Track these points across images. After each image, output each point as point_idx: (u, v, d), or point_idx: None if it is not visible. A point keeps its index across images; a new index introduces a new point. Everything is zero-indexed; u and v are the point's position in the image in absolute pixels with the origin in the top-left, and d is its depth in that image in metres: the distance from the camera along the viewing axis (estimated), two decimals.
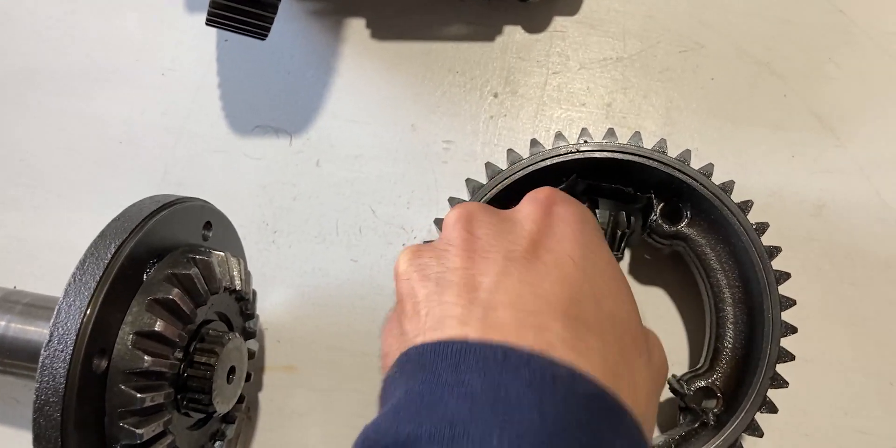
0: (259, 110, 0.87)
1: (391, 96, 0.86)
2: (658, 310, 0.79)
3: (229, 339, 0.68)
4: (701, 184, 0.72)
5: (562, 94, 0.84)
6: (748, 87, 0.84)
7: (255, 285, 0.80)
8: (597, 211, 0.75)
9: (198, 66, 0.89)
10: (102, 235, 0.61)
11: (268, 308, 0.82)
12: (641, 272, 0.80)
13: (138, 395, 0.59)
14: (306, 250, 0.83)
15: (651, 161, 0.72)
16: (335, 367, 0.80)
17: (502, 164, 0.72)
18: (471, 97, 0.85)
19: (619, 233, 0.76)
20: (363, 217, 0.83)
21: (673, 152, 0.70)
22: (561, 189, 0.74)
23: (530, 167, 0.73)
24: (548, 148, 0.75)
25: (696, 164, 0.70)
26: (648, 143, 0.72)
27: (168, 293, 0.61)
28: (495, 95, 0.85)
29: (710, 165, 0.75)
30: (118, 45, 0.89)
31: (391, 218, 0.83)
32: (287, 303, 0.82)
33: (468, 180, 0.77)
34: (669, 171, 0.72)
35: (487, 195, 0.73)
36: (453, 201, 0.77)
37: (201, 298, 0.65)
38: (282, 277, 0.83)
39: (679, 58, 0.85)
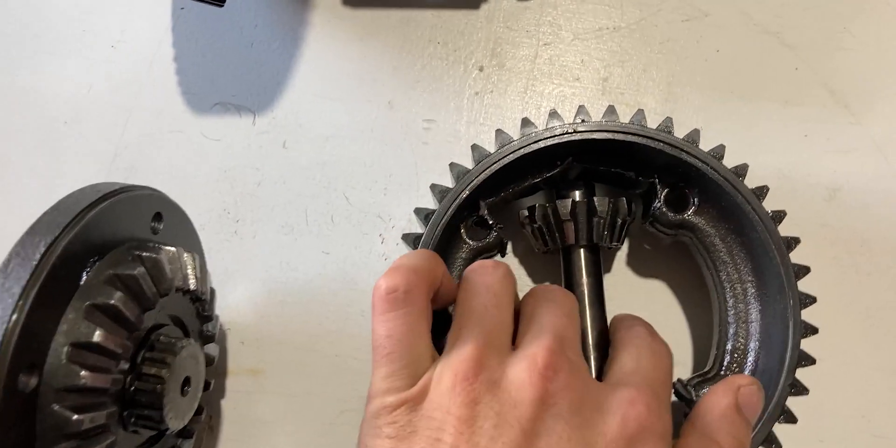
0: (219, 86, 0.79)
1: (366, 70, 0.78)
2: (658, 305, 0.72)
3: (183, 345, 0.60)
4: (712, 168, 0.64)
5: (554, 68, 0.76)
6: (757, 59, 0.77)
7: (215, 281, 0.75)
8: (594, 198, 0.67)
9: (151, 38, 0.81)
10: (31, 231, 0.52)
11: (230, 306, 0.75)
12: (641, 264, 0.73)
13: (75, 417, 0.51)
14: (272, 241, 0.76)
15: (657, 143, 0.64)
16: (305, 370, 0.73)
17: (490, 145, 0.64)
18: (454, 71, 0.78)
19: (619, 221, 0.67)
20: (335, 204, 0.76)
21: (677, 132, 0.61)
22: (555, 174, 0.66)
23: (521, 150, 0.65)
24: (540, 128, 0.66)
25: (702, 144, 0.62)
26: (650, 121, 0.64)
27: (110, 297, 0.53)
28: (480, 69, 0.77)
29: (722, 147, 0.67)
30: (62, 13, 0.79)
31: (367, 205, 0.76)
32: (251, 300, 0.75)
33: (452, 165, 0.69)
34: (676, 153, 0.64)
35: (474, 181, 0.65)
36: (436, 189, 0.68)
37: (149, 302, 0.57)
38: (245, 272, 0.75)
39: (682, 27, 0.78)
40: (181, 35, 0.80)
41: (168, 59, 0.80)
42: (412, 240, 0.66)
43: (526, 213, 0.66)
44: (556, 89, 0.79)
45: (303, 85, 0.78)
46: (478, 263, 0.54)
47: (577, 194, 0.67)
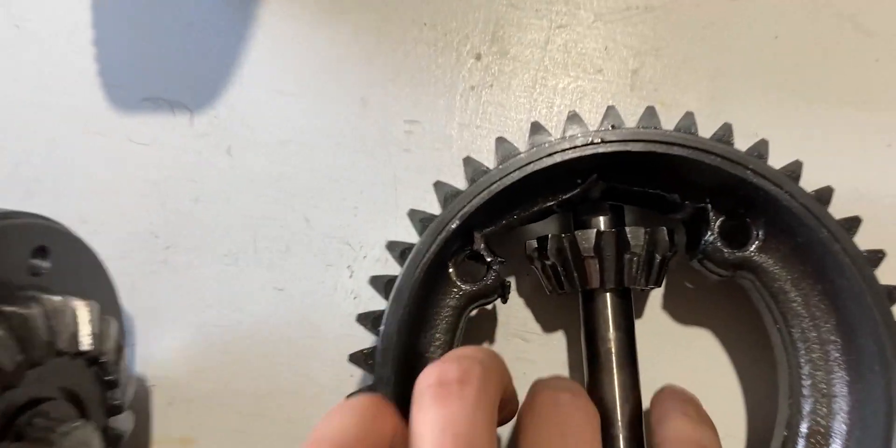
0: (149, 78, 0.66)
1: (334, 59, 0.65)
2: (701, 361, 0.59)
3: (66, 431, 0.43)
4: (787, 192, 0.48)
5: (570, 57, 0.64)
6: (825, 48, 0.63)
7: (138, 324, 0.63)
8: (626, 229, 0.52)
9: (65, 17, 0.67)
10: None
11: (156, 357, 0.62)
12: (680, 306, 0.59)
13: None
14: (211, 274, 0.63)
15: (713, 157, 0.49)
16: (249, 440, 0.61)
17: (488, 157, 0.55)
18: (444, 60, 0.64)
19: (658, 258, 0.52)
20: (292, 228, 0.63)
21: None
22: (573, 196, 0.49)
23: (531, 166, 0.49)
24: (556, 136, 0.50)
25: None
26: (704, 126, 0.51)
27: None
28: (478, 57, 0.64)
29: (798, 164, 0.51)
30: None
31: (332, 229, 0.63)
32: (184, 349, 0.62)
33: (438, 185, 0.52)
34: (739, 171, 0.49)
35: (466, 208, 0.49)
36: (416, 217, 0.52)
37: (9, 376, 0.40)
38: (176, 313, 0.62)
39: (730, 7, 0.63)
40: (103, 15, 0.67)
41: (86, 44, 0.67)
42: (383, 284, 0.50)
43: (535, 245, 0.53)
44: (572, 84, 0.63)
45: (254, 77, 0.65)
46: (553, 387, 0.46)
47: (602, 222, 0.54)
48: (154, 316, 0.62)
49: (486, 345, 0.60)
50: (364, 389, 0.50)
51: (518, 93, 0.64)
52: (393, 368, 0.48)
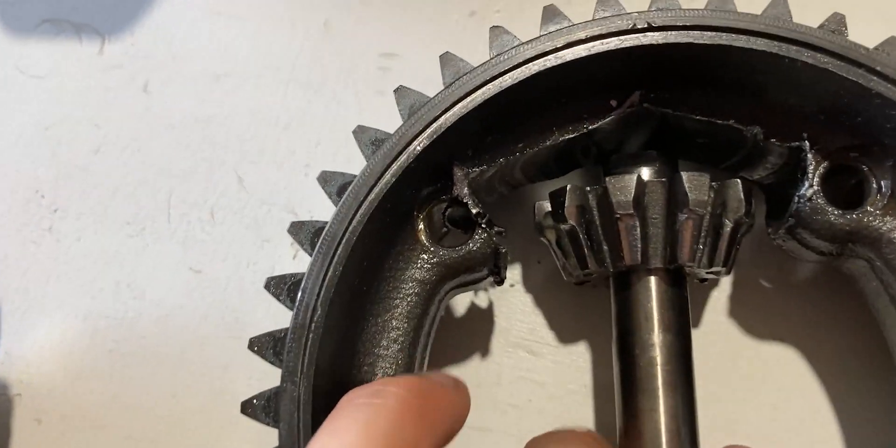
0: None
1: None
2: (784, 389, 0.46)
3: None
4: None
5: None
6: None
7: (5, 308, 0.52)
8: (683, 175, 0.37)
9: None
10: None
11: (25, 355, 0.51)
12: (755, 312, 0.48)
13: None
14: (108, 248, 0.52)
15: (822, 56, 0.34)
16: None
17: None
18: None
19: (730, 226, 0.38)
20: (220, 189, 0.52)
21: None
22: (606, 126, 0.36)
23: (538, 63, 0.34)
24: (579, 21, 0.34)
25: None
26: (803, 16, 0.37)
27: None
28: None
29: None
30: None
31: (272, 193, 0.51)
32: (62, 346, 0.51)
33: (401, 91, 0.37)
34: (863, 79, 0.34)
35: (439, 121, 0.34)
36: (364, 136, 0.38)
37: None
38: (57, 296, 0.52)
39: None
40: None
41: None
42: (309, 236, 0.34)
43: (547, 205, 0.41)
44: None
45: None
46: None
47: (647, 172, 0.40)
48: (26, 300, 0.52)
49: (476, 358, 0.48)
50: (262, 396, 0.34)
51: (535, 20, 0.49)
52: (313, 359, 0.32)
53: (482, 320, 0.48)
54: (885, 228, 0.37)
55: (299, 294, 0.33)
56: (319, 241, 0.34)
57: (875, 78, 0.34)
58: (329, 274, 0.34)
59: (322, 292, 0.33)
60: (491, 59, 0.35)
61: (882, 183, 0.37)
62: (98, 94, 0.53)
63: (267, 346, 0.34)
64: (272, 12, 0.54)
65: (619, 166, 0.41)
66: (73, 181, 0.52)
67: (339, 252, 0.34)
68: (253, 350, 0.34)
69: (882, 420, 0.44)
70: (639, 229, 0.38)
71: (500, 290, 0.47)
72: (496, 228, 0.40)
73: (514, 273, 0.48)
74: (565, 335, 0.48)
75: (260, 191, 0.51)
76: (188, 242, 0.51)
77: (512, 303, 0.48)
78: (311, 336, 0.33)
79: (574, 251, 0.40)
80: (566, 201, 0.39)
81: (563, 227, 0.39)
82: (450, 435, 0.34)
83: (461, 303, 0.47)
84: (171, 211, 0.51)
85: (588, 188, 0.39)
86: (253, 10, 0.54)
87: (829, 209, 0.37)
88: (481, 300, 0.47)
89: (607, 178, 0.38)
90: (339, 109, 0.51)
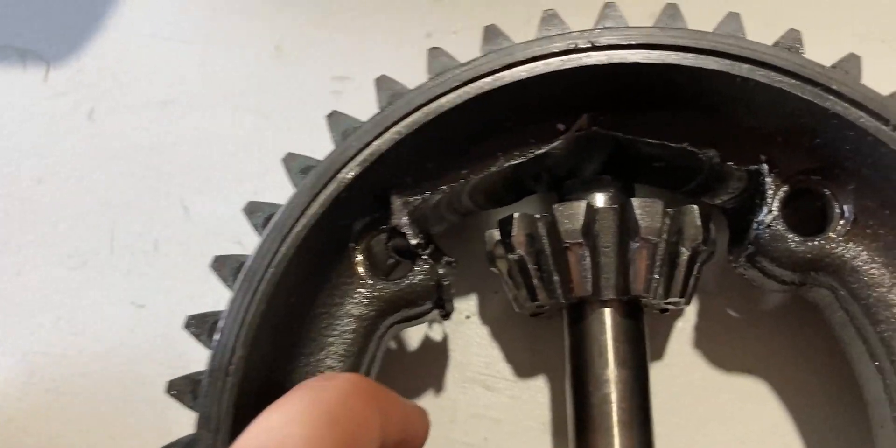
0: None
1: None
2: (752, 423, 0.45)
3: None
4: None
5: None
6: None
7: None
8: (634, 201, 0.36)
9: None
10: None
11: None
12: (720, 343, 0.46)
13: None
14: (48, 281, 0.50)
15: (777, 75, 0.33)
16: None
17: None
18: None
19: (686, 255, 0.36)
20: (165, 220, 0.51)
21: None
22: (555, 150, 0.37)
23: (477, 84, 0.32)
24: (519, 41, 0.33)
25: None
26: (758, 33, 0.37)
27: None
28: None
29: None
30: None
31: (219, 223, 0.49)
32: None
33: (334, 116, 0.36)
34: (819, 99, 0.33)
35: (372, 147, 0.33)
36: (293, 162, 0.36)
37: None
38: None
39: None
40: None
41: None
42: (232, 271, 0.33)
43: (497, 234, 0.39)
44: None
45: (132, 18, 0.54)
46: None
47: (601, 198, 0.39)
48: None
49: (430, 394, 0.46)
50: (178, 443, 0.31)
51: None
52: (231, 405, 0.30)
53: (436, 354, 0.46)
54: (847, 256, 0.36)
55: (216, 335, 0.31)
56: (239, 276, 0.32)
57: (831, 97, 0.33)
58: (250, 312, 0.31)
59: (242, 332, 0.31)
60: (426, 81, 0.34)
61: (845, 207, 0.36)
62: (42, 122, 0.52)
63: (185, 389, 0.32)
64: (221, 37, 0.53)
65: (572, 192, 0.39)
66: (14, 213, 0.51)
67: (261, 288, 0.32)
68: (171, 394, 0.32)
69: None
70: (589, 259, 0.37)
71: (456, 322, 0.46)
72: (446, 258, 0.38)
73: (470, 304, 0.46)
74: (523, 369, 0.46)
75: (206, 221, 0.49)
76: (131, 276, 0.49)
77: (468, 335, 0.46)
78: (229, 380, 0.30)
79: (524, 282, 0.39)
80: (514, 230, 0.38)
81: (511, 256, 0.37)
82: (404, 432, 0.33)
83: (414, 336, 0.45)
84: (114, 243, 0.50)
85: (538, 216, 0.37)
86: (201, 35, 0.53)
87: (790, 236, 0.36)
88: (436, 333, 0.45)
89: (555, 206, 0.37)
90: (290, 135, 0.49)
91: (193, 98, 0.52)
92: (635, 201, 0.36)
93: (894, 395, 0.35)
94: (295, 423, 0.28)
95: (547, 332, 0.46)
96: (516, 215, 0.38)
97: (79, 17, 0.54)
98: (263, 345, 0.32)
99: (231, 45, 0.53)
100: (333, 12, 0.53)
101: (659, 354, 0.46)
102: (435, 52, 0.35)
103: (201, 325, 0.33)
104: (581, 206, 0.36)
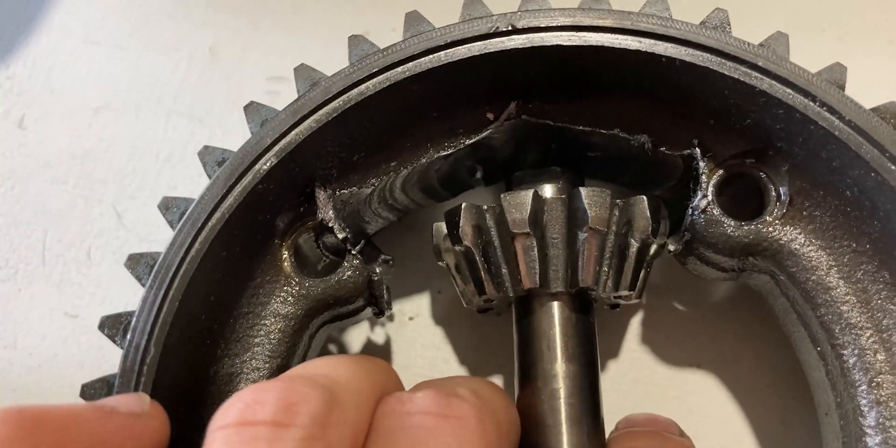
0: None
1: None
2: (702, 418, 0.43)
3: None
4: (828, 108, 0.31)
5: None
6: None
7: None
8: (582, 190, 0.35)
9: None
10: None
11: None
12: (668, 337, 0.44)
13: None
14: None
15: (704, 55, 0.32)
16: None
17: None
18: None
19: (636, 246, 0.35)
20: (98, 227, 0.48)
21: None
22: (487, 139, 0.35)
23: (398, 69, 0.30)
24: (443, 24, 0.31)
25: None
26: (684, 14, 0.35)
27: None
28: None
29: (840, 69, 0.34)
30: None
31: (153, 229, 0.48)
32: None
33: (252, 106, 0.35)
34: (747, 77, 0.32)
35: (290, 135, 0.31)
36: (209, 156, 0.34)
37: None
38: None
39: None
40: None
41: None
42: (147, 269, 0.31)
43: (444, 226, 0.38)
44: None
45: (61, 24, 0.52)
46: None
47: (549, 189, 0.38)
48: None
49: None
50: None
51: None
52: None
53: (379, 357, 0.42)
54: (785, 239, 0.34)
55: (128, 334, 0.29)
56: (152, 273, 0.30)
57: (757, 74, 0.31)
58: (163, 311, 0.30)
59: (155, 331, 0.29)
60: (345, 68, 0.32)
61: (781, 190, 0.35)
62: None
63: (100, 392, 0.30)
64: (154, 40, 0.51)
65: (521, 183, 0.38)
66: None
67: (175, 284, 0.30)
68: (84, 398, 0.30)
69: (805, 442, 0.41)
70: (536, 250, 0.35)
71: (400, 324, 0.44)
72: (382, 257, 0.36)
73: (413, 305, 0.45)
74: (469, 369, 0.44)
75: (140, 228, 0.47)
76: (63, 285, 0.47)
77: (411, 336, 0.44)
78: (142, 380, 0.29)
79: (472, 275, 0.37)
80: (461, 220, 0.36)
81: (458, 248, 0.36)
82: None
83: (356, 339, 0.43)
84: (45, 252, 0.47)
85: (485, 207, 0.36)
86: (134, 39, 0.51)
87: (725, 221, 0.34)
88: (378, 336, 0.44)
89: (502, 195, 0.35)
90: (226, 138, 0.48)
91: (126, 103, 0.50)
92: (583, 190, 0.34)
93: (836, 381, 0.33)
94: (338, 361, 0.29)
95: (493, 332, 0.44)
96: (464, 205, 0.36)
97: (8, 23, 0.52)
98: (180, 345, 0.30)
99: (164, 49, 0.51)
100: (268, 12, 0.51)
101: (615, 352, 0.45)
102: (355, 40, 0.33)
103: (115, 326, 0.31)
104: (528, 195, 0.34)
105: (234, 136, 0.46)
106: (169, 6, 0.51)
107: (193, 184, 0.48)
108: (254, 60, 0.50)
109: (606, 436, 0.37)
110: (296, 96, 0.40)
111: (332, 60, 0.47)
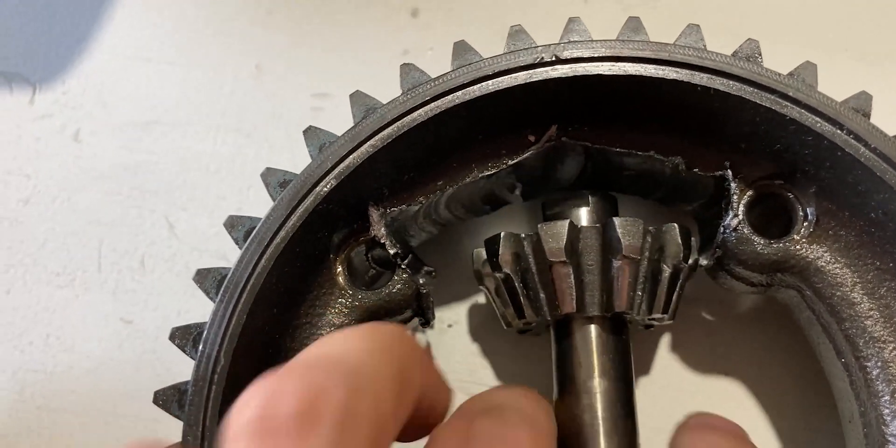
0: None
1: (220, 15, 0.53)
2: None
3: None
4: (854, 135, 0.33)
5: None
6: None
7: None
8: (616, 221, 0.37)
9: None
10: None
11: None
12: (698, 347, 0.46)
13: None
14: (37, 299, 0.50)
15: (737, 84, 0.34)
16: None
17: None
18: (368, 15, 0.52)
19: (668, 272, 0.37)
20: (150, 237, 0.50)
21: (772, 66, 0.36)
22: (528, 160, 0.36)
23: (448, 98, 0.32)
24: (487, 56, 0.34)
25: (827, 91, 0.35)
26: (715, 38, 0.37)
27: None
28: (414, 13, 0.51)
29: (866, 97, 0.35)
30: None
31: (204, 239, 0.49)
32: None
33: (310, 131, 0.36)
34: (778, 106, 0.33)
35: (348, 160, 0.33)
36: (271, 177, 0.36)
37: None
38: None
39: None
40: None
41: None
42: (214, 284, 0.33)
43: (483, 253, 0.39)
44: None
45: (117, 41, 0.53)
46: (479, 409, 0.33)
47: (584, 215, 0.39)
48: None
49: None
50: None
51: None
52: (216, 413, 0.30)
53: None
54: (811, 257, 0.36)
55: (200, 345, 0.32)
56: (221, 289, 0.32)
57: (788, 103, 0.33)
58: (232, 323, 0.32)
59: (225, 343, 0.31)
60: (399, 96, 0.34)
61: (808, 210, 0.36)
62: (28, 143, 0.51)
63: (171, 399, 0.32)
64: (202, 57, 0.52)
65: (554, 208, 0.40)
66: (2, 233, 0.50)
67: (242, 300, 0.32)
68: (157, 404, 0.32)
69: None
70: (573, 277, 0.37)
71: (439, 331, 0.46)
72: (425, 268, 0.38)
73: (452, 313, 0.46)
74: (506, 378, 0.46)
75: (191, 238, 0.49)
76: (118, 292, 0.49)
77: (450, 344, 0.46)
78: (213, 388, 0.31)
79: (511, 300, 0.38)
80: (500, 249, 0.38)
81: (498, 275, 0.38)
82: (435, 396, 0.33)
83: None
84: (101, 260, 0.49)
85: (522, 235, 0.38)
86: (183, 56, 0.52)
87: (755, 239, 0.36)
88: (419, 341, 0.46)
89: (539, 225, 0.37)
90: (272, 153, 0.50)
91: (176, 118, 0.51)
92: (617, 220, 0.36)
93: (860, 391, 0.35)
94: (357, 338, 0.29)
95: (530, 340, 0.45)
96: (503, 235, 0.38)
97: (63, 40, 0.53)
98: (247, 355, 0.32)
99: (212, 65, 0.52)
100: (312, 31, 0.52)
101: (647, 369, 0.46)
102: (406, 68, 0.36)
103: (185, 337, 0.33)
104: (565, 225, 0.36)
105: (280, 149, 0.50)
106: (216, 25, 0.52)
107: (242, 195, 0.49)
108: (298, 77, 0.51)
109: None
110: (339, 112, 0.42)
111: (374, 78, 0.48)
